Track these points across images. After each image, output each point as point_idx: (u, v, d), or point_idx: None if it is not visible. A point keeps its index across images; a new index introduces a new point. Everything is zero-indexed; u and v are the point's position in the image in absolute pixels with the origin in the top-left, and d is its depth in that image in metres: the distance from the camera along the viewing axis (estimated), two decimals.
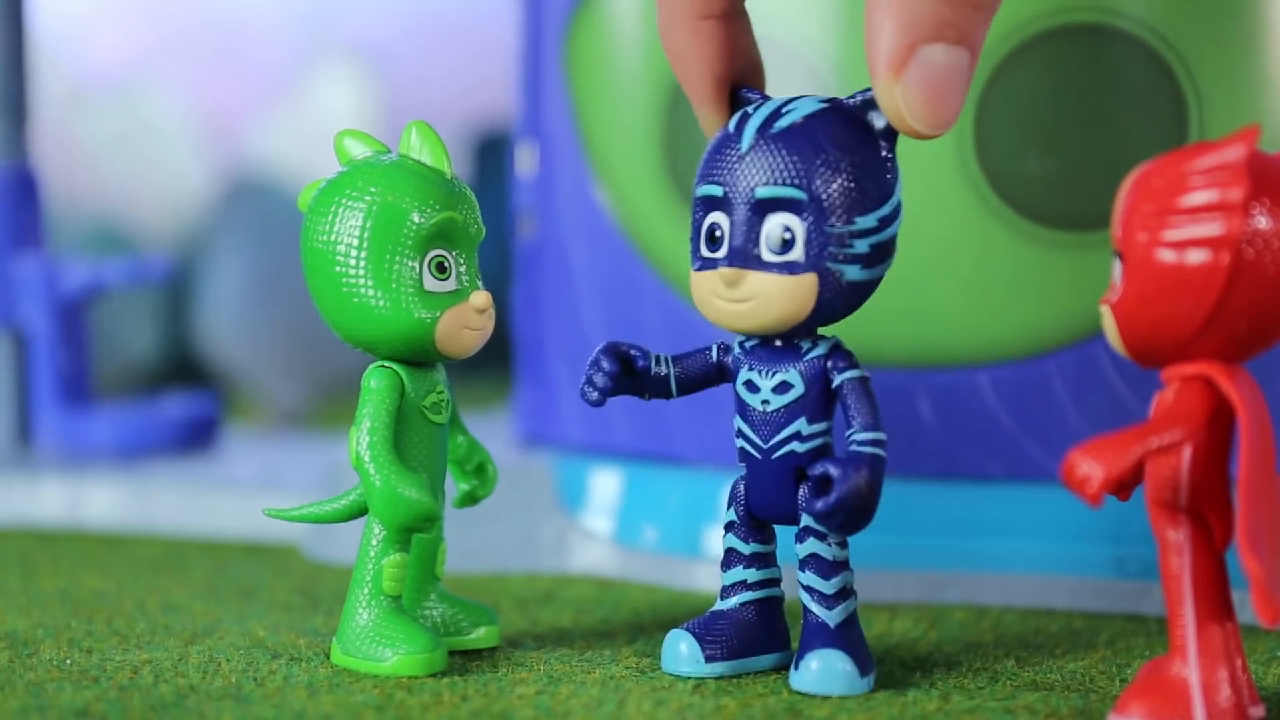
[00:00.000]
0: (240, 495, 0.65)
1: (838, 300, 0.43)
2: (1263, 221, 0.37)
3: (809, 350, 0.44)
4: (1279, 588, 0.37)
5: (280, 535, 0.64)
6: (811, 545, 0.44)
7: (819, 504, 0.42)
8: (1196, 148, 0.38)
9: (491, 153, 1.17)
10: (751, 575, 0.45)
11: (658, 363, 0.46)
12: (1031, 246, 0.53)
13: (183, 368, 1.11)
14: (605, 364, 0.45)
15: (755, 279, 0.43)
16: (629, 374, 0.45)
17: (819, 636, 0.43)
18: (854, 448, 0.43)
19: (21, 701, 0.42)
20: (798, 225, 0.42)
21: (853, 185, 0.42)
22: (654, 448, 0.59)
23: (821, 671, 0.43)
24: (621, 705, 0.42)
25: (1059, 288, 0.53)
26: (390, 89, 1.18)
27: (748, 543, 0.45)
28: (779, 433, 0.44)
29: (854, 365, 0.43)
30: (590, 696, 0.42)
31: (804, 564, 0.44)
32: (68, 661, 0.46)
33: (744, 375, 0.44)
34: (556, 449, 0.62)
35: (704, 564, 0.56)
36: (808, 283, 0.42)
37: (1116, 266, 0.39)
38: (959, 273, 0.54)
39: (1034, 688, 0.43)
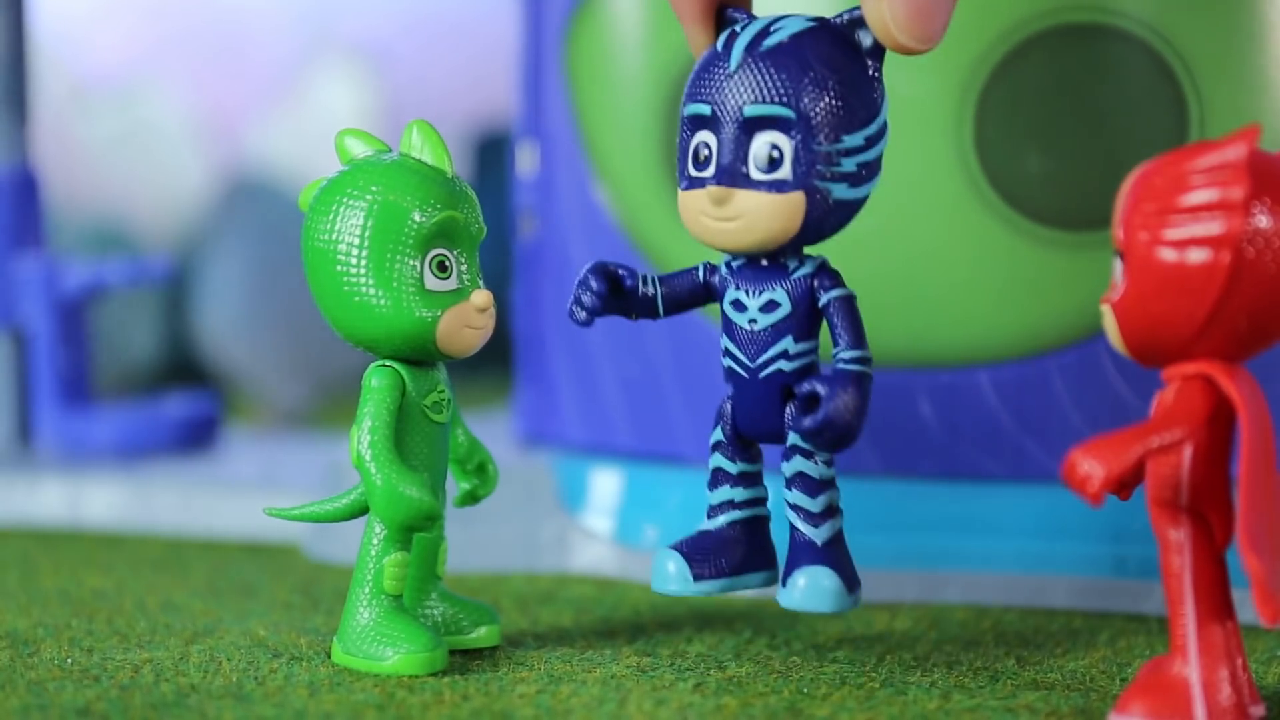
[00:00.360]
0: (240, 495, 0.65)
1: (825, 219, 0.43)
2: (1263, 220, 0.37)
3: (796, 269, 0.44)
4: (1279, 586, 0.37)
5: (281, 535, 0.64)
6: (798, 463, 0.44)
7: (806, 421, 0.42)
8: (1197, 147, 0.38)
9: (491, 153, 1.16)
10: (738, 494, 0.46)
11: (645, 283, 0.46)
12: (1031, 246, 0.53)
13: (183, 368, 1.11)
14: (593, 283, 0.45)
15: (743, 197, 0.43)
16: (617, 294, 0.46)
17: (806, 554, 0.44)
18: (840, 366, 0.43)
19: (22, 700, 0.42)
20: (785, 143, 0.42)
21: (840, 103, 0.42)
22: (654, 447, 0.59)
23: (809, 588, 0.43)
24: (622, 704, 0.42)
25: (1059, 287, 0.53)
26: (390, 89, 1.18)
27: (735, 462, 0.46)
28: (766, 351, 0.44)
29: (840, 284, 0.44)
30: (591, 696, 0.43)
31: (790, 482, 0.44)
32: (68, 661, 0.46)
33: (731, 294, 0.45)
34: (556, 449, 0.62)
35: None
36: (795, 201, 0.43)
37: (1117, 265, 0.39)
38: (959, 272, 0.54)
39: (1034, 687, 0.43)
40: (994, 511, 0.54)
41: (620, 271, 0.46)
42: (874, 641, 0.48)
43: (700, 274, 0.46)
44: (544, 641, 0.48)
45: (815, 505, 0.44)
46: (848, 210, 0.43)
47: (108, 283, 0.75)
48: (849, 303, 0.44)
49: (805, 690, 0.43)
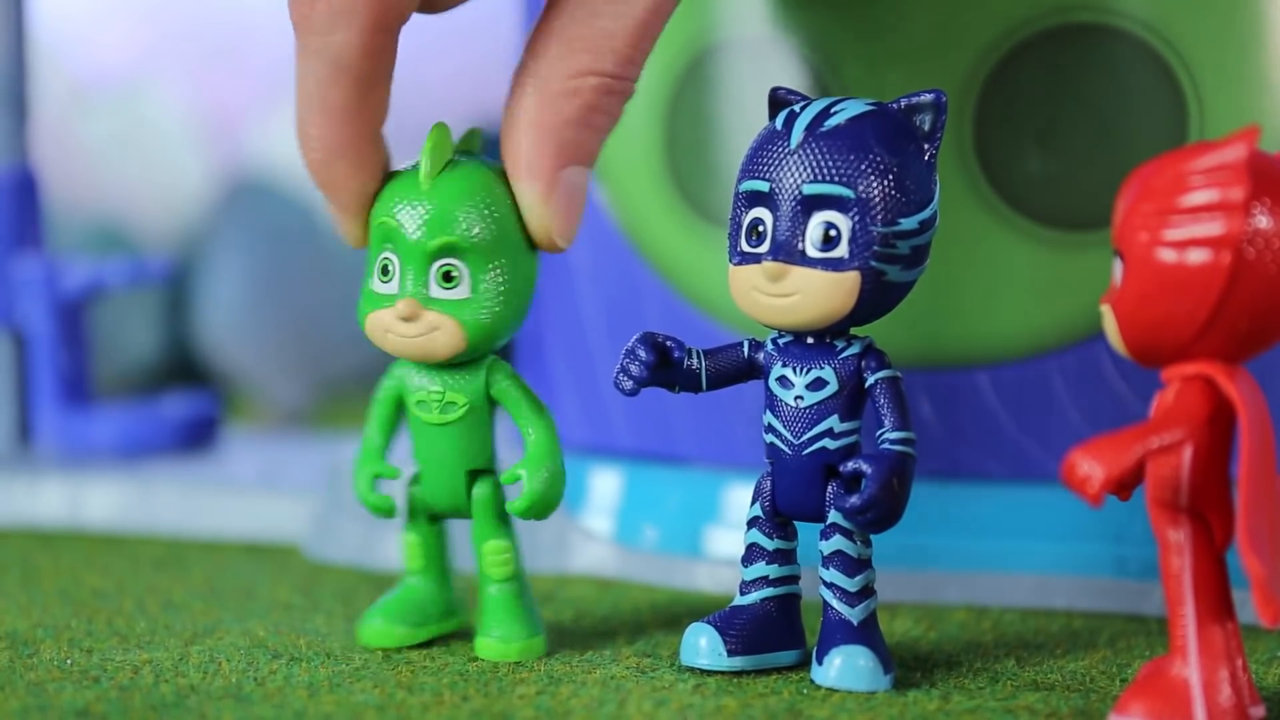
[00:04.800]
0: (240, 495, 0.65)
1: (877, 299, 0.43)
2: (1263, 221, 0.37)
3: (844, 349, 0.44)
4: (1279, 587, 0.37)
5: (281, 535, 0.64)
6: (837, 542, 0.44)
7: (852, 500, 0.43)
8: (1197, 147, 0.38)
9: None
10: (773, 571, 0.46)
11: (690, 356, 0.46)
12: (1031, 246, 0.53)
13: (183, 368, 1.11)
14: (643, 354, 0.45)
15: (799, 274, 0.43)
16: (665, 365, 0.46)
17: (840, 633, 0.44)
18: (885, 446, 0.43)
19: (22, 701, 0.42)
20: (843, 222, 0.43)
21: (897, 186, 0.43)
22: (654, 448, 0.59)
23: (845, 667, 0.43)
24: (622, 705, 0.42)
25: (1059, 287, 0.53)
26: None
27: (771, 539, 0.46)
28: (811, 429, 0.44)
29: (887, 365, 0.44)
30: (591, 696, 0.43)
31: (828, 560, 0.44)
32: (68, 661, 0.46)
33: (777, 371, 0.45)
34: None
35: (704, 564, 0.56)
36: (851, 280, 0.43)
37: (1117, 266, 0.39)
38: (958, 272, 0.54)
39: (1034, 688, 0.43)
40: (994, 511, 0.54)
41: (669, 343, 0.46)
42: None
43: (745, 350, 0.46)
44: None
45: (852, 585, 0.44)
46: (898, 292, 0.44)
47: (108, 283, 0.75)
48: (895, 384, 0.44)
49: (805, 691, 0.43)
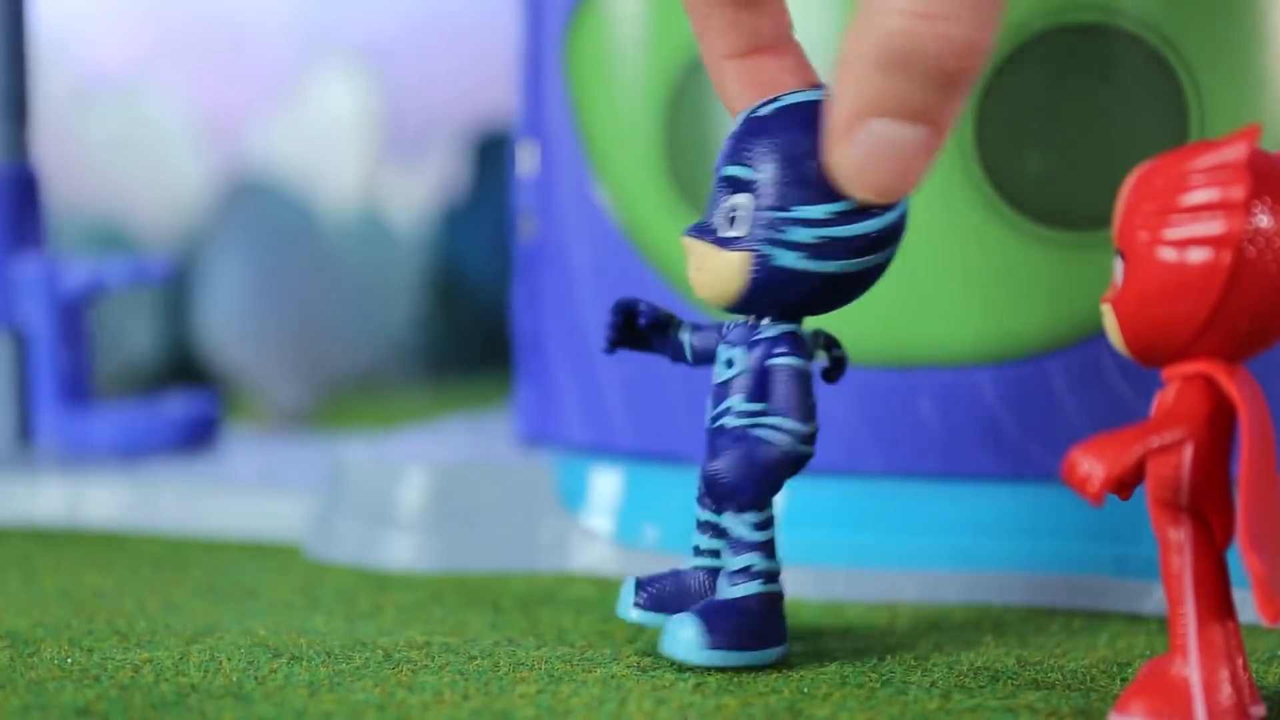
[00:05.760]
0: (241, 495, 0.65)
1: (776, 284, 0.44)
2: (1264, 220, 0.37)
3: (762, 332, 0.45)
4: None
5: (281, 535, 0.64)
6: (727, 519, 0.45)
7: (707, 466, 0.44)
8: (1198, 146, 0.38)
9: (491, 153, 1.17)
10: (702, 541, 0.46)
11: (682, 328, 0.47)
12: (1032, 246, 0.53)
13: (183, 368, 1.11)
14: (610, 317, 0.47)
15: (700, 251, 0.44)
16: (636, 328, 0.47)
17: (695, 602, 0.45)
18: (752, 424, 0.44)
19: (23, 700, 0.42)
20: (745, 204, 0.43)
21: (798, 172, 0.43)
22: (654, 447, 0.59)
23: (668, 634, 0.45)
24: (622, 704, 0.42)
25: (1059, 287, 0.53)
26: (390, 89, 1.18)
27: (703, 509, 0.46)
28: (717, 405, 0.45)
29: (794, 354, 0.45)
30: (591, 695, 0.43)
31: (718, 532, 0.46)
32: (69, 660, 0.46)
33: (719, 349, 0.46)
34: (556, 449, 0.62)
35: None
36: (738, 260, 0.43)
37: (1118, 265, 0.39)
38: (959, 272, 0.54)
39: (1035, 687, 0.43)
40: (994, 511, 0.54)
41: (640, 307, 0.47)
42: (874, 641, 0.48)
43: (720, 329, 0.47)
44: (544, 641, 0.48)
45: (734, 564, 0.45)
46: (809, 281, 0.44)
47: (107, 283, 0.75)
48: (792, 373, 0.44)
49: (805, 690, 0.43)
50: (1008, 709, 0.41)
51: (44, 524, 0.67)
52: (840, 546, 0.54)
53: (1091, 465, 0.37)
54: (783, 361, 0.44)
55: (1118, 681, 0.44)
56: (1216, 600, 0.39)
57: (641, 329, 0.47)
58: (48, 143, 0.90)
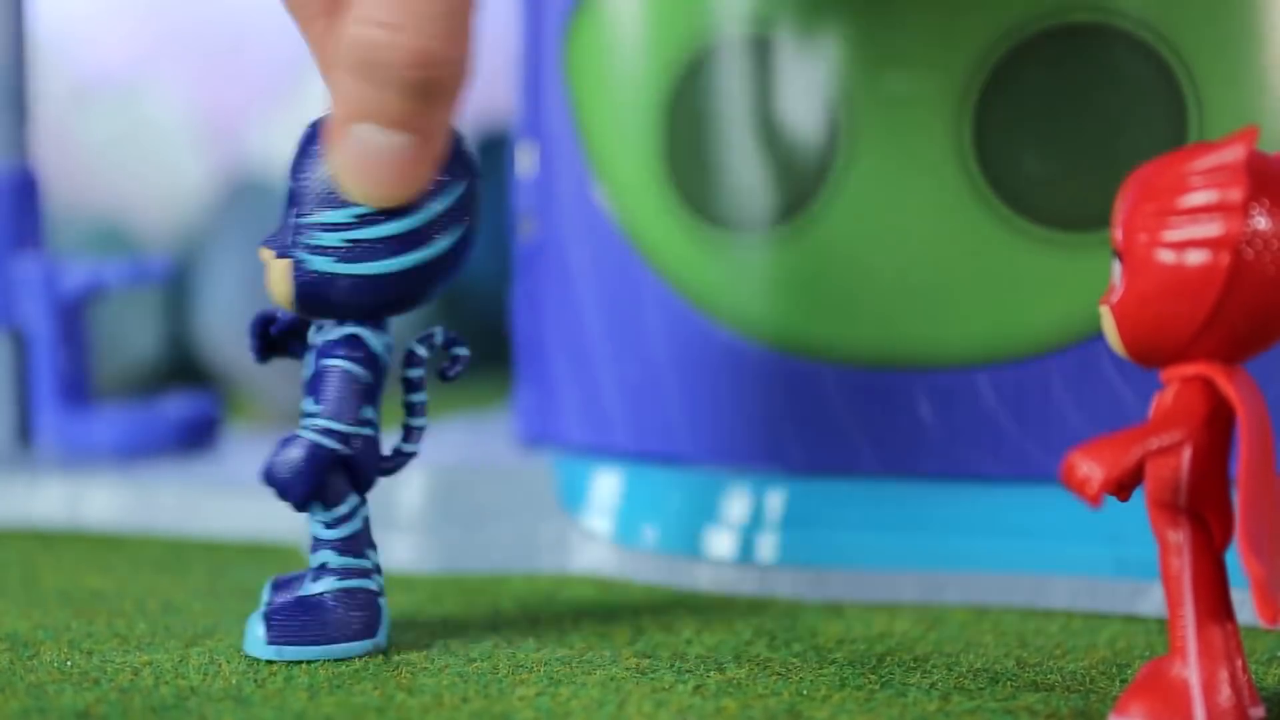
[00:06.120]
0: (241, 495, 0.65)
1: (318, 288, 0.45)
2: (1262, 222, 0.37)
3: (326, 334, 0.46)
4: (1279, 587, 0.37)
5: (281, 536, 0.64)
6: (309, 521, 0.47)
7: (262, 466, 0.46)
8: (1196, 148, 0.38)
9: (491, 153, 1.16)
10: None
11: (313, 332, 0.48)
12: (1031, 246, 0.53)
13: (183, 368, 1.11)
14: (250, 332, 0.48)
15: (265, 258, 0.46)
16: (273, 340, 0.48)
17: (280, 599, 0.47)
18: (306, 424, 0.46)
19: (22, 703, 0.42)
20: (291, 212, 0.45)
21: (311, 179, 0.45)
22: (654, 447, 0.59)
23: (245, 631, 0.46)
24: (622, 707, 0.42)
25: (1059, 288, 0.53)
26: None
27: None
28: (301, 408, 0.47)
29: (341, 356, 0.46)
30: (590, 698, 0.43)
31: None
32: (68, 663, 0.46)
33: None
34: (556, 449, 0.62)
35: (704, 564, 0.56)
36: (282, 266, 0.45)
37: (1116, 267, 0.39)
38: (958, 272, 0.54)
39: (1034, 688, 0.43)
40: (994, 511, 0.54)
41: (277, 317, 0.48)
42: (873, 643, 0.48)
43: None
44: (544, 643, 0.48)
45: (312, 560, 0.47)
46: (352, 284, 0.45)
47: (107, 283, 0.75)
48: (338, 374, 0.46)
49: (805, 692, 0.43)
50: (1007, 711, 0.41)
51: (44, 525, 0.67)
52: (839, 547, 0.54)
53: (1090, 468, 0.37)
54: (332, 363, 0.46)
55: (1117, 683, 0.44)
56: (1215, 601, 0.39)
57: (275, 338, 0.48)
58: (48, 143, 0.90)
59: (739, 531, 0.56)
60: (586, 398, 0.61)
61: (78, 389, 0.75)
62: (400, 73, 0.42)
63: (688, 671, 0.45)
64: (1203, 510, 0.39)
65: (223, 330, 1.03)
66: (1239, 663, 0.39)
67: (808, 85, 0.54)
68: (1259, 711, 0.39)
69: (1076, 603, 0.52)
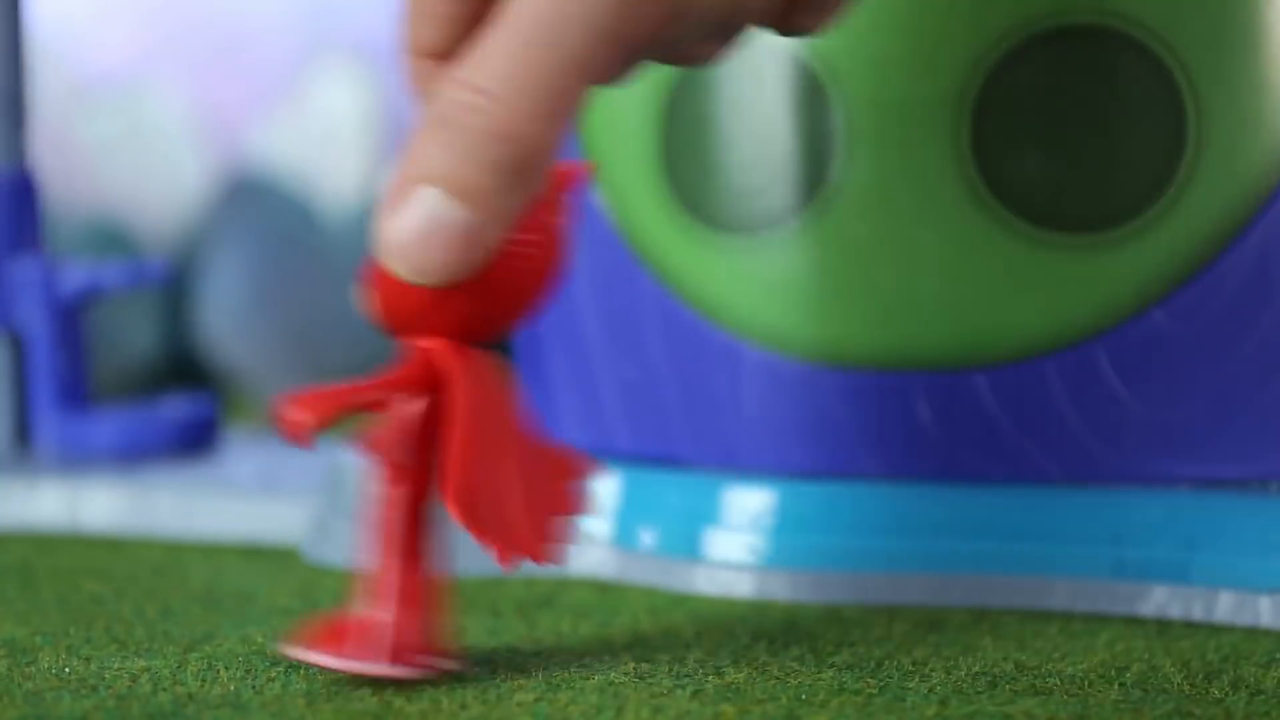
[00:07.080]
0: (240, 498, 0.65)
1: None
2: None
3: None
4: (503, 537, 0.42)
5: (281, 538, 0.64)
6: None
7: None
8: None
9: None
10: None
11: None
12: (1029, 247, 0.53)
13: (182, 368, 1.11)
14: None
15: None
16: None
17: None
18: None
19: (20, 711, 0.42)
20: None
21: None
22: (653, 450, 0.59)
23: None
24: (620, 712, 0.42)
25: (1057, 289, 0.53)
26: (390, 89, 1.18)
27: None
28: None
29: None
30: (589, 703, 0.42)
31: None
32: (66, 670, 0.46)
33: None
34: None
35: (704, 566, 0.56)
36: None
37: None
38: (956, 274, 0.53)
39: (1033, 692, 0.43)
40: (993, 513, 0.54)
41: None
42: (872, 646, 0.48)
43: None
44: (542, 647, 0.48)
45: None
46: None
47: (106, 284, 0.75)
48: None
49: (803, 697, 0.43)
50: (1005, 714, 0.41)
51: (42, 527, 0.67)
52: (837, 550, 0.54)
53: (300, 413, 0.43)
54: None
55: (1115, 686, 0.44)
56: (416, 552, 0.44)
57: None
58: (48, 143, 0.90)
59: (738, 534, 0.55)
60: (585, 400, 0.60)
61: (76, 391, 0.75)
62: (482, 143, 0.39)
63: (686, 676, 0.45)
64: (419, 469, 0.43)
65: (222, 331, 1.03)
66: (437, 614, 0.44)
67: (807, 86, 0.54)
68: (452, 664, 0.44)
69: (1075, 605, 0.52)
